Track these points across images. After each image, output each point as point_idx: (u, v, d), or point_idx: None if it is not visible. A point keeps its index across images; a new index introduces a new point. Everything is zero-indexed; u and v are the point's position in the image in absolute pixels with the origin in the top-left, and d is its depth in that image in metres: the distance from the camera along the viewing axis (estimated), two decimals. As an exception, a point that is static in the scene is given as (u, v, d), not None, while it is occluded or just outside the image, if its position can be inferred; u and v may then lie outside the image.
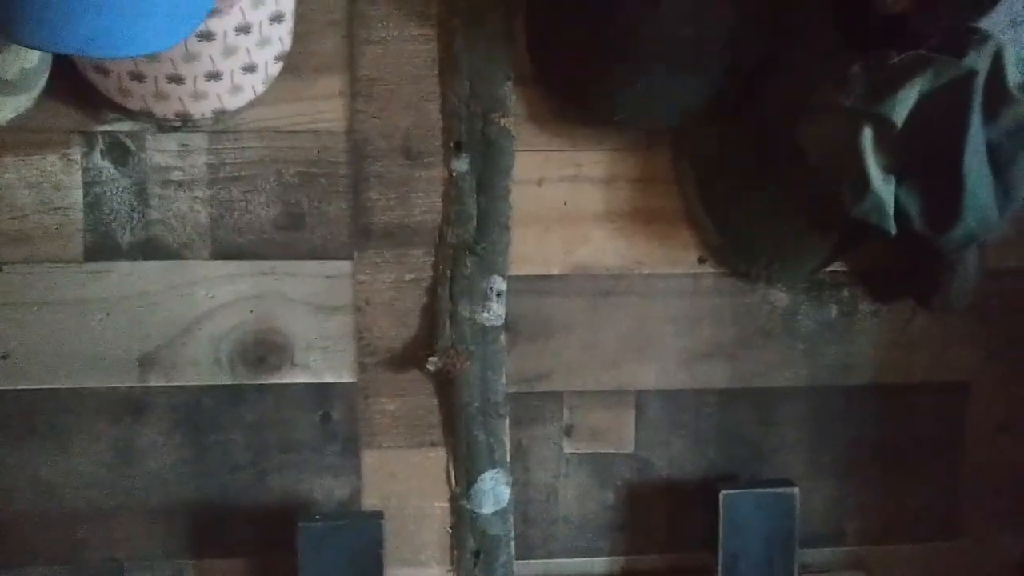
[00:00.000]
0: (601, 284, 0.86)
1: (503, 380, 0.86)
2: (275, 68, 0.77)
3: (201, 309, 0.82)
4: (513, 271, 0.84)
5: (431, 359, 0.83)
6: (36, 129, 0.78)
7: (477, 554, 0.88)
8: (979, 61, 0.68)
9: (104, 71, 0.73)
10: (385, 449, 0.86)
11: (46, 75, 0.73)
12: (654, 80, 0.75)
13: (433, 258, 0.84)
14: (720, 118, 0.78)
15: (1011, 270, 0.88)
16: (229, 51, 0.72)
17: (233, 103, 0.76)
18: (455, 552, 0.88)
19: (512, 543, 0.88)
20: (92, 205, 0.81)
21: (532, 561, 0.89)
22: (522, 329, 0.86)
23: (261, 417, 0.85)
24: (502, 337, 0.85)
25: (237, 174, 0.81)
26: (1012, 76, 0.70)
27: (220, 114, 0.77)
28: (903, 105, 0.68)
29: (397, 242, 0.83)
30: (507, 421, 0.86)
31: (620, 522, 0.89)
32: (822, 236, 0.81)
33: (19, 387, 0.82)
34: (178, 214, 0.81)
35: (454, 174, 0.83)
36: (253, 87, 0.76)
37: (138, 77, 0.73)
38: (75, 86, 0.76)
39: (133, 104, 0.75)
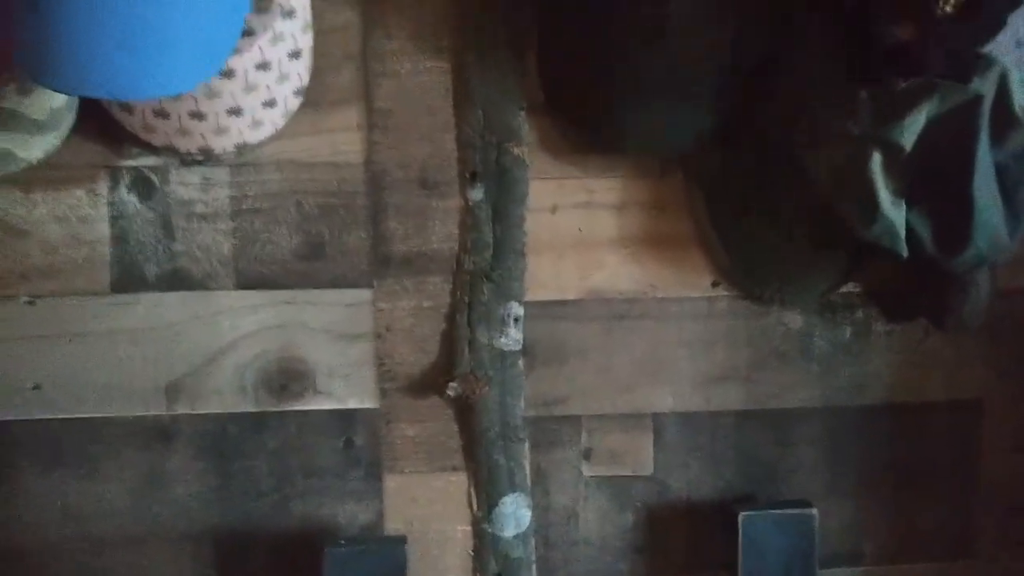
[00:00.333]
0: (616, 308, 0.87)
1: (522, 404, 0.87)
2: (294, 102, 0.79)
3: (225, 338, 0.84)
4: (529, 297, 0.86)
5: (451, 385, 0.84)
6: (63, 165, 0.80)
7: (499, 577, 0.89)
8: (984, 85, 0.69)
9: (129, 109, 0.75)
10: (407, 474, 0.87)
11: (74, 114, 0.75)
12: (661, 110, 0.76)
13: (451, 285, 0.85)
14: (727, 144, 0.80)
15: (1022, 289, 0.89)
16: (250, 88, 0.74)
17: (254, 137, 0.78)
18: (477, 575, 0.89)
19: (533, 566, 0.89)
20: (118, 238, 0.83)
21: (553, 583, 0.90)
22: (539, 354, 0.87)
23: (284, 443, 0.86)
24: (520, 362, 0.86)
25: (259, 206, 0.83)
26: (1018, 99, 0.70)
27: (242, 148, 0.79)
28: (911, 130, 0.69)
29: (416, 270, 0.85)
30: (527, 445, 0.87)
31: (640, 544, 0.90)
32: (830, 259, 0.82)
33: (49, 417, 0.84)
34: (202, 246, 0.83)
35: (470, 203, 0.84)
36: (273, 121, 0.78)
37: (162, 114, 0.75)
38: (101, 123, 0.78)
39: (157, 140, 0.77)
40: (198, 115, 0.74)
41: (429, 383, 0.86)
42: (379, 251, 0.84)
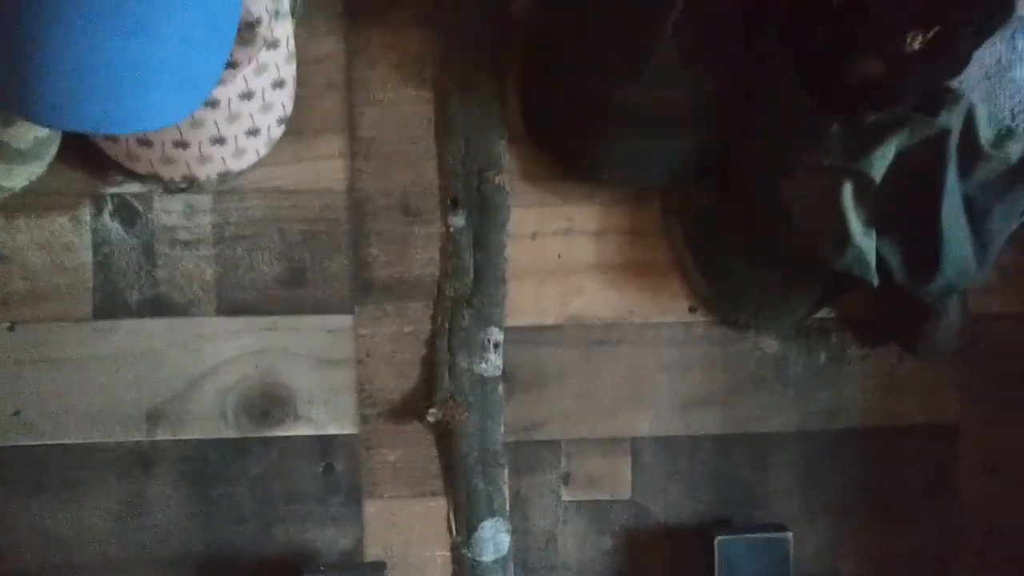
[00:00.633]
0: (595, 334, 0.88)
1: (501, 429, 0.87)
2: (277, 131, 0.80)
3: (207, 364, 0.85)
4: (509, 322, 0.87)
5: (431, 410, 0.85)
6: (47, 192, 0.81)
7: (478, 601, 0.89)
8: (952, 119, 0.71)
9: (113, 138, 0.76)
10: (387, 499, 0.88)
11: (57, 143, 0.76)
12: (637, 144, 0.77)
13: (432, 311, 0.86)
14: (703, 174, 0.81)
15: (994, 314, 0.90)
16: (233, 117, 0.75)
17: (237, 165, 0.79)
18: (457, 600, 0.89)
19: (513, 590, 0.90)
20: (101, 265, 0.83)
21: (533, 607, 0.91)
22: (519, 379, 0.88)
23: (266, 469, 0.86)
24: (500, 387, 0.87)
25: (241, 233, 0.84)
26: (984, 133, 0.72)
27: (225, 176, 0.79)
28: (881, 162, 0.71)
29: (397, 296, 0.86)
30: (506, 470, 0.88)
31: (619, 568, 0.90)
32: (806, 287, 0.83)
33: (30, 443, 0.84)
34: (184, 272, 0.84)
35: (451, 230, 0.85)
36: (256, 150, 0.79)
37: (146, 143, 0.75)
38: (84, 151, 0.79)
39: (141, 168, 0.78)
40: (182, 144, 0.75)
41: (409, 408, 0.87)
42: (361, 277, 0.85)
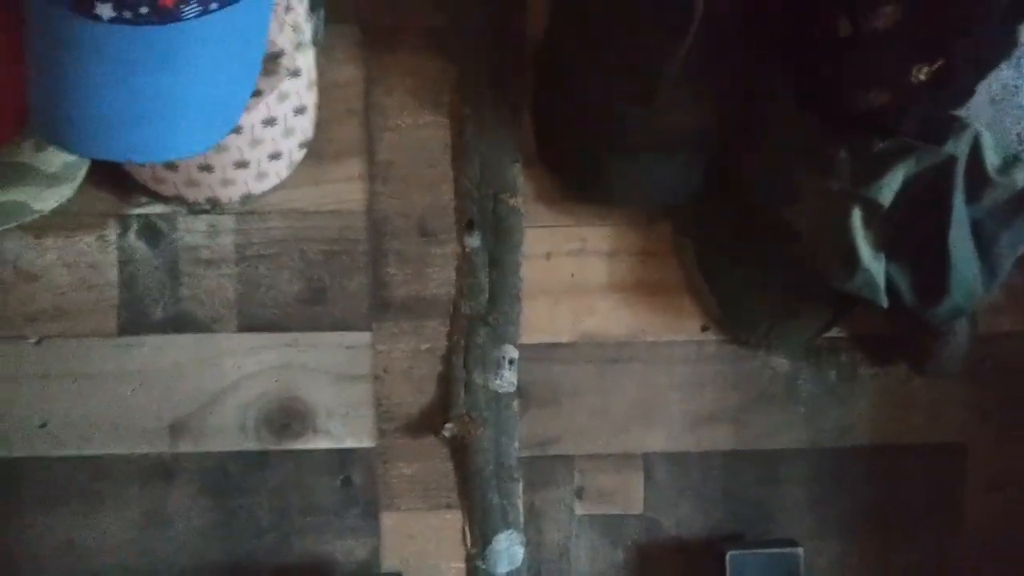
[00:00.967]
0: (608, 352, 0.89)
1: (516, 445, 0.89)
2: (299, 155, 0.82)
3: (228, 379, 0.86)
4: (524, 340, 0.88)
5: (447, 425, 0.87)
6: (74, 213, 0.83)
7: (492, 613, 0.91)
8: (959, 147, 0.72)
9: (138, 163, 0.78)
10: (403, 512, 0.89)
11: (86, 166, 0.78)
12: (648, 167, 0.79)
13: (448, 329, 0.88)
14: (713, 196, 0.82)
15: (1003, 334, 0.91)
16: (256, 142, 0.77)
17: (259, 188, 0.81)
18: (471, 611, 0.91)
19: (526, 602, 0.91)
20: (126, 283, 0.85)
21: (545, 620, 0.92)
22: (533, 395, 0.89)
23: (285, 481, 0.88)
24: (514, 403, 0.88)
25: (263, 252, 0.86)
26: (990, 160, 0.73)
27: (247, 198, 0.81)
28: (889, 188, 0.72)
29: (414, 314, 0.87)
30: (520, 484, 0.89)
31: (630, 581, 0.92)
32: (816, 308, 0.84)
33: (55, 454, 0.86)
34: (207, 290, 0.86)
35: (467, 250, 0.87)
36: (278, 173, 0.81)
37: (171, 167, 0.77)
38: (111, 174, 0.81)
39: (166, 190, 0.80)
40: (206, 167, 0.77)
41: (426, 423, 0.88)
42: (379, 296, 0.87)
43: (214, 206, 0.82)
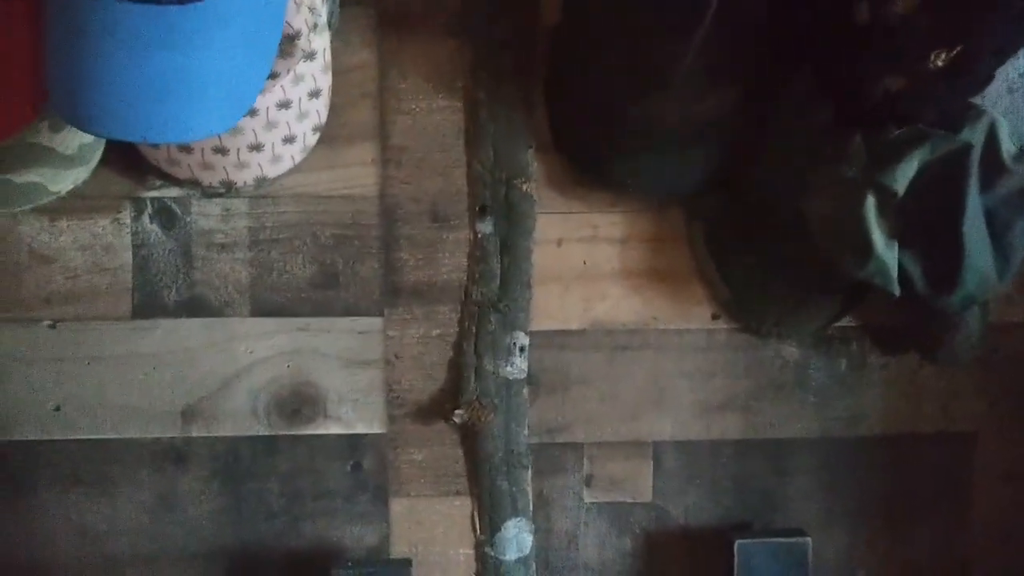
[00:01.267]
0: (618, 339, 0.89)
1: (525, 432, 0.89)
2: (312, 139, 0.82)
3: (240, 364, 0.87)
4: (535, 327, 0.88)
5: (457, 412, 0.87)
6: (89, 196, 0.83)
7: (501, 599, 0.91)
8: (974, 135, 0.72)
9: (155, 144, 0.78)
10: (413, 498, 0.90)
11: (102, 148, 0.78)
12: (662, 155, 0.79)
13: (459, 315, 0.88)
14: (726, 185, 0.82)
15: (1015, 324, 0.91)
16: (271, 125, 0.77)
17: (273, 171, 0.81)
18: (479, 597, 0.91)
19: (535, 589, 0.91)
20: (140, 266, 0.85)
21: (554, 607, 0.92)
22: (543, 382, 0.89)
23: (295, 466, 0.88)
24: (524, 390, 0.89)
25: (276, 237, 0.86)
26: (1006, 148, 0.73)
27: (261, 181, 0.82)
28: (904, 176, 0.72)
29: (425, 300, 0.87)
30: (529, 471, 0.90)
31: (638, 569, 0.92)
32: (827, 297, 0.84)
33: (68, 437, 0.87)
34: (220, 274, 0.86)
35: (479, 236, 0.87)
36: (292, 156, 0.81)
37: (186, 149, 0.78)
38: (126, 156, 0.81)
39: (180, 173, 0.80)
40: (221, 150, 0.77)
41: (436, 409, 0.88)
42: (390, 281, 0.87)
43: (228, 189, 0.82)
